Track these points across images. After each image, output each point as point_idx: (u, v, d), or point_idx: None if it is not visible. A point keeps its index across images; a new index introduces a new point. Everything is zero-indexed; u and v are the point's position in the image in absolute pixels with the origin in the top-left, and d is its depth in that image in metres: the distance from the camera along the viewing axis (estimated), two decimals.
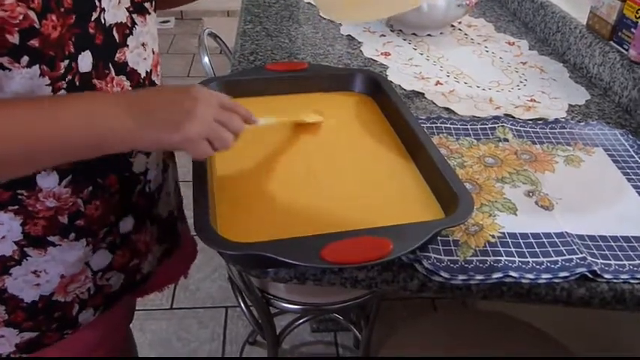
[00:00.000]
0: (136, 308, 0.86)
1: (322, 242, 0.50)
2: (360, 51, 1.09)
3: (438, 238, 0.60)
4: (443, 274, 0.56)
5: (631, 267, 0.59)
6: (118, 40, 0.54)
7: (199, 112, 0.49)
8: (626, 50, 0.94)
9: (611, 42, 0.98)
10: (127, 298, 0.69)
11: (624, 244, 0.62)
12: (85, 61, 0.51)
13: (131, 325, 0.91)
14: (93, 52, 0.51)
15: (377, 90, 0.82)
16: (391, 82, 0.96)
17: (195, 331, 1.50)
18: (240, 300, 1.08)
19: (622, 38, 0.95)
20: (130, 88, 0.57)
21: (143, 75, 0.59)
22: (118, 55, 0.55)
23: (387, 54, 1.08)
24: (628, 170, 0.76)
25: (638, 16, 0.91)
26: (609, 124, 0.87)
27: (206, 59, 1.14)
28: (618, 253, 0.61)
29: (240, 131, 0.54)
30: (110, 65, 0.54)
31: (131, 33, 0.56)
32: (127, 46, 0.56)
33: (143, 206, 0.65)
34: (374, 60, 1.05)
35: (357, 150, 0.70)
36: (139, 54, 0.58)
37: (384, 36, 1.16)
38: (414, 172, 0.66)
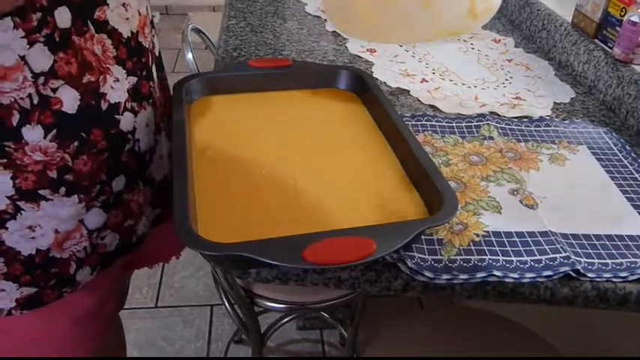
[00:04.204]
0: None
1: (304, 242, 0.49)
2: (346, 47, 1.08)
3: (422, 237, 0.60)
4: (427, 273, 0.56)
5: (614, 265, 0.59)
6: None
7: None
8: (611, 48, 0.94)
9: (596, 40, 0.98)
10: (120, 273, 0.70)
11: (607, 243, 0.62)
12: (63, 17, 0.51)
13: None
14: (70, 8, 0.52)
15: (362, 87, 0.81)
16: (376, 79, 0.95)
17: (180, 330, 1.48)
18: (225, 299, 1.07)
19: (607, 36, 0.96)
20: (111, 47, 0.57)
21: (127, 35, 0.59)
22: (97, 13, 0.55)
23: (372, 51, 1.07)
24: (612, 169, 0.76)
25: (622, 14, 0.91)
26: (593, 122, 0.87)
27: (190, 55, 1.12)
28: (601, 251, 0.61)
29: None
30: (89, 22, 0.54)
31: None
32: (107, 5, 0.56)
33: (134, 166, 0.66)
34: (359, 57, 1.05)
35: (341, 148, 0.69)
36: (119, 14, 0.58)
37: None
38: (399, 171, 0.65)
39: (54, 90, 0.52)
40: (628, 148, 0.80)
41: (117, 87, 0.58)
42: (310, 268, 0.53)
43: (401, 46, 1.10)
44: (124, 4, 0.58)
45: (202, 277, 1.63)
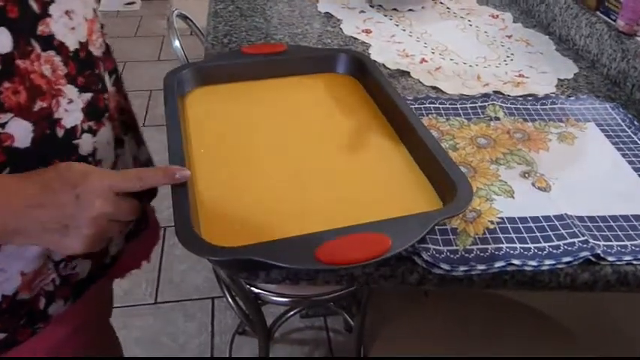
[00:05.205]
0: (119, 305, 0.81)
1: (316, 242, 0.46)
2: (340, 29, 1.04)
3: (436, 227, 0.57)
4: (443, 265, 0.54)
5: (633, 247, 0.57)
6: (37, 11, 0.48)
7: (81, 228, 0.46)
8: (614, 21, 0.91)
9: (598, 12, 0.95)
10: (98, 287, 0.65)
11: (624, 224, 0.60)
12: (3, 41, 0.45)
13: (115, 324, 0.87)
14: (10, 27, 0.45)
15: (361, 71, 0.77)
16: (375, 61, 0.92)
17: (182, 325, 1.46)
18: (227, 293, 1.05)
19: (609, 8, 0.93)
20: (61, 64, 0.51)
21: (74, 47, 0.53)
22: (40, 27, 0.48)
23: (368, 31, 1.03)
24: (622, 145, 0.74)
25: None
26: (599, 98, 0.85)
27: (177, 43, 1.07)
28: (619, 233, 0.59)
29: (128, 218, 0.50)
30: (33, 41, 0.48)
31: (52, 0, 0.50)
32: (50, 15, 0.49)
33: None
34: (355, 38, 1.01)
35: (345, 137, 0.66)
36: (64, 24, 0.51)
37: (364, 12, 1.11)
38: (407, 159, 0.62)
39: (3, 125, 0.47)
40: (637, 123, 0.78)
41: (71, 108, 0.53)
42: (325, 269, 0.51)
43: (397, 25, 1.06)
44: (67, 12, 0.51)
45: (202, 270, 1.61)
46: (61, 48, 0.51)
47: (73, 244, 0.47)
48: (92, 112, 0.56)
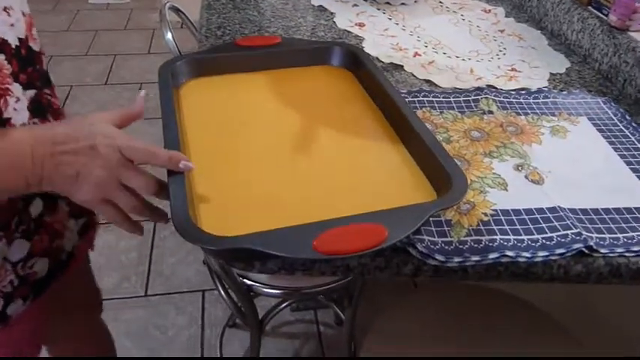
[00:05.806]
0: (108, 297, 0.80)
1: (313, 232, 0.46)
2: (334, 22, 1.04)
3: (430, 219, 0.58)
4: (438, 257, 0.54)
5: (625, 240, 0.58)
6: None
7: (91, 175, 0.46)
8: (606, 15, 0.92)
9: (590, 7, 0.96)
10: (58, 286, 0.65)
11: (617, 217, 0.61)
12: None
13: (105, 316, 0.87)
14: None
15: (356, 63, 0.77)
16: (369, 54, 0.91)
17: (172, 318, 1.45)
18: (219, 285, 1.04)
19: (601, 3, 0.93)
20: (5, 63, 0.50)
21: (15, 44, 0.52)
22: None
23: (361, 25, 1.03)
24: (614, 139, 0.74)
25: None
26: (591, 92, 0.86)
27: (169, 35, 1.06)
28: (612, 226, 0.60)
29: (140, 188, 0.49)
30: None
31: None
32: None
33: None
34: (348, 31, 1.00)
35: (341, 129, 0.66)
36: (3, 21, 0.50)
37: (357, 6, 1.11)
38: (402, 151, 0.62)
39: None
40: (628, 117, 0.79)
41: (19, 107, 0.52)
42: (322, 258, 0.51)
43: (390, 19, 1.06)
44: (5, 9, 0.51)
45: (192, 262, 1.60)
46: (3, 46, 0.50)
47: (82, 192, 0.47)
48: (36, 109, 0.55)
